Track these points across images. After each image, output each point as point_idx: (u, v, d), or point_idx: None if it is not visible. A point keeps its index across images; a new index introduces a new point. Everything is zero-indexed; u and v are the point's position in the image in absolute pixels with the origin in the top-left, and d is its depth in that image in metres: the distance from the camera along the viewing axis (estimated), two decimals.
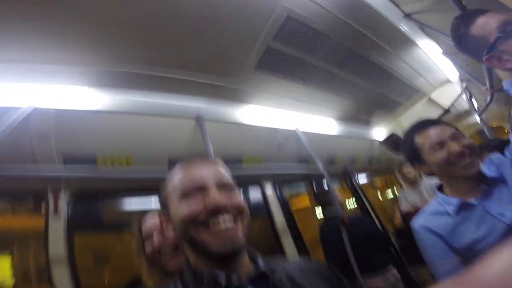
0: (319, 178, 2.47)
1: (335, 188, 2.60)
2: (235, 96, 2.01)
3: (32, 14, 1.19)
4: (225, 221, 0.57)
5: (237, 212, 0.60)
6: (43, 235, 1.75)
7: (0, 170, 1.23)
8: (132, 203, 1.98)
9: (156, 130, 1.75)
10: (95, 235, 2.27)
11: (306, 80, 2.09)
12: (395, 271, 2.01)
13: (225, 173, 0.66)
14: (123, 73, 1.58)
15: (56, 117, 1.53)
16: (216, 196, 0.59)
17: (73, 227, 1.71)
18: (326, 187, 2.44)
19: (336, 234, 2.02)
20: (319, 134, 2.64)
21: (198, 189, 0.61)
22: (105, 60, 1.51)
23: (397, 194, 3.56)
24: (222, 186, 0.62)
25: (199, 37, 1.52)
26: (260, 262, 0.62)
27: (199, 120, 1.86)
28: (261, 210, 2.47)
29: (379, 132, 3.31)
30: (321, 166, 2.27)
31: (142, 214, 1.08)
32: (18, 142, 1.45)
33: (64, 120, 1.54)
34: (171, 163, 1.78)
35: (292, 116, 2.46)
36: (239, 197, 0.63)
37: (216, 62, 1.73)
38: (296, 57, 1.84)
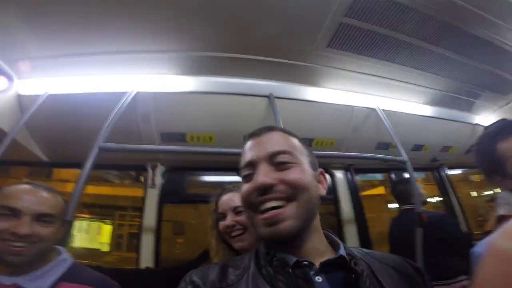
0: (400, 166, 2.22)
1: (418, 179, 2.32)
2: (307, 74, 1.96)
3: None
4: (271, 202, 0.53)
5: (290, 190, 0.54)
6: (139, 205, 2.06)
7: (114, 146, 1.47)
8: (212, 179, 2.18)
9: (234, 109, 1.88)
10: (178, 206, 2.58)
11: (388, 56, 1.88)
12: (466, 283, 1.65)
13: (282, 143, 0.59)
14: (204, 57, 1.72)
15: (154, 100, 1.77)
16: (261, 175, 0.55)
17: (163, 198, 1.99)
18: (406, 177, 2.18)
19: (408, 230, 1.78)
20: (404, 115, 2.34)
21: (251, 167, 0.58)
22: (189, 46, 1.66)
23: (498, 192, 2.99)
24: (273, 161, 0.56)
25: (268, 16, 1.52)
26: (342, 249, 0.57)
27: (270, 98, 1.89)
28: (328, 196, 2.37)
29: (483, 117, 2.76)
30: (403, 152, 2.04)
31: (224, 190, 1.07)
32: (127, 122, 1.74)
33: (160, 102, 1.77)
34: (251, 136, 1.87)
35: (373, 96, 2.23)
36: (296, 173, 0.56)
37: (286, 40, 1.71)
38: (374, 31, 1.67)
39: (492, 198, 2.97)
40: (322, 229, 0.62)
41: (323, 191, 0.62)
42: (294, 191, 0.54)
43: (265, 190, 0.54)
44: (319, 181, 0.63)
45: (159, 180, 1.97)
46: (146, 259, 1.87)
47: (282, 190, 0.54)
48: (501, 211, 2.42)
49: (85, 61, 1.74)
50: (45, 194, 0.85)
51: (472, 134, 2.66)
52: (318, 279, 0.52)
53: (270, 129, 0.64)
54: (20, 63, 1.83)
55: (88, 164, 1.36)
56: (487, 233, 2.35)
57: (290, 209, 0.53)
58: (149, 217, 1.95)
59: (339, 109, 2.14)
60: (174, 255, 3.48)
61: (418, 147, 2.62)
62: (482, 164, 0.85)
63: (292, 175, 0.55)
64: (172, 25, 1.50)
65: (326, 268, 0.53)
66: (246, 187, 0.57)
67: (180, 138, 1.85)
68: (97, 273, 0.90)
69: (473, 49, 1.87)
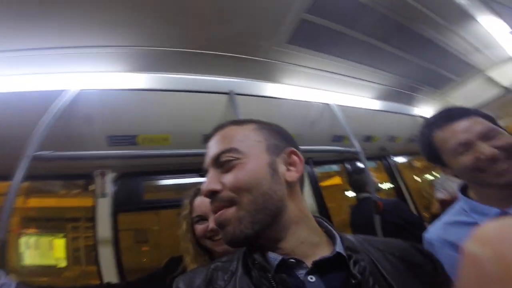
0: (353, 157, 2.33)
1: (370, 168, 2.47)
2: (267, 70, 1.94)
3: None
4: (218, 209, 0.52)
5: (232, 194, 0.51)
6: (91, 216, 1.88)
7: (49, 155, 1.29)
8: (170, 182, 2.07)
9: (191, 107, 1.77)
10: (136, 214, 2.41)
11: (345, 54, 1.96)
12: None
13: (227, 140, 0.56)
14: (157, 52, 1.59)
15: (99, 99, 1.60)
16: (206, 182, 0.53)
17: (117, 207, 1.83)
18: (360, 167, 2.31)
19: (367, 218, 1.88)
20: (356, 109, 2.48)
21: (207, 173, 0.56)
22: (139, 40, 1.52)
23: (438, 177, 3.36)
24: (218, 163, 0.54)
25: (229, 10, 1.46)
26: (338, 243, 0.51)
27: (231, 95, 1.83)
28: None
29: (423, 110, 3.05)
30: (356, 144, 2.16)
31: (199, 191, 0.98)
32: (68, 125, 1.54)
33: (107, 101, 1.60)
34: (206, 139, 1.80)
35: (328, 92, 2.31)
36: (236, 173, 0.52)
37: (248, 36, 1.67)
38: (333, 29, 1.72)
39: (432, 183, 3.31)
40: (314, 217, 0.58)
41: (292, 175, 0.55)
42: (234, 195, 0.51)
43: (212, 196, 0.52)
44: (289, 163, 0.56)
45: (109, 188, 1.80)
46: (108, 272, 1.71)
47: (224, 195, 0.51)
48: (440, 195, 2.72)
49: (17, 58, 1.50)
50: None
51: (414, 125, 2.93)
52: (311, 278, 0.46)
53: (221, 126, 0.61)
54: None
55: (19, 176, 1.17)
56: (434, 216, 2.61)
57: (230, 214, 0.50)
58: (103, 228, 1.77)
59: (297, 105, 2.17)
60: (140, 264, 3.28)
61: (368, 138, 2.80)
62: (423, 152, 0.87)
63: (229, 177, 0.52)
64: (122, 17, 1.33)
65: (321, 268, 0.48)
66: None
67: (130, 141, 1.69)
68: None
69: (417, 47, 2.04)
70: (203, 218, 0.93)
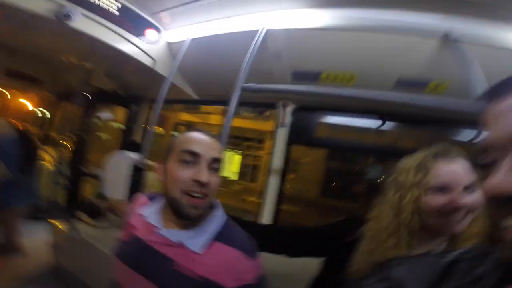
0: None
1: None
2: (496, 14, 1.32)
3: None
4: None
5: None
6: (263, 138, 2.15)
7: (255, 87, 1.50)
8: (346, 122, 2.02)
9: (386, 49, 1.49)
10: (304, 148, 2.62)
11: None
12: None
13: None
14: None
15: (286, 37, 1.65)
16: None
17: (292, 138, 2.03)
18: None
19: None
20: None
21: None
22: None
23: None
24: None
25: None
26: None
27: (449, 38, 1.34)
28: None
29: None
30: None
31: (439, 156, 0.75)
32: (260, 60, 1.73)
33: (294, 39, 1.64)
34: (400, 84, 1.58)
35: None
36: None
37: None
38: None
39: None
40: None
41: None
42: None
43: None
44: None
45: (288, 119, 1.98)
46: (270, 195, 2.02)
47: None
48: None
49: (217, 4, 1.76)
50: (210, 139, 0.77)
51: None
52: None
53: None
54: (162, 15, 2.05)
55: (233, 105, 1.46)
56: None
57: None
58: (278, 155, 2.05)
59: None
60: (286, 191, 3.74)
61: None
62: None
63: None
64: None
65: None
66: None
67: (314, 77, 1.71)
68: (245, 235, 0.78)
69: None
70: (446, 189, 0.72)
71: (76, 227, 2.13)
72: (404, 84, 1.53)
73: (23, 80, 3.35)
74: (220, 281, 0.67)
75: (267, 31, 1.65)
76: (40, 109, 4.95)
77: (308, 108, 1.96)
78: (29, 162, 2.54)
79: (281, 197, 2.05)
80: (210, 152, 0.73)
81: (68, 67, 3.21)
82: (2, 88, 4.26)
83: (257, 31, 1.66)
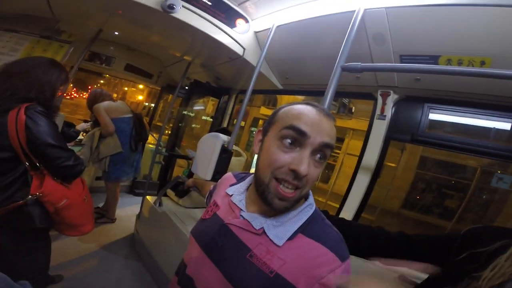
0: None
1: None
2: None
3: None
4: None
5: None
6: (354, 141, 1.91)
7: (358, 66, 1.30)
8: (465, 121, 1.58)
9: None
10: (401, 145, 2.24)
11: None
12: None
13: None
14: None
15: (388, 15, 1.40)
16: None
17: (391, 132, 1.73)
18: None
19: None
20: None
21: None
22: None
23: None
24: None
25: None
26: None
27: None
28: None
29: None
30: None
31: None
32: (357, 43, 1.51)
33: (397, 18, 1.38)
34: None
35: None
36: None
37: None
38: None
39: None
40: None
41: None
42: None
43: None
44: None
45: (389, 110, 1.69)
46: (355, 196, 1.79)
47: None
48: None
49: None
50: (325, 117, 0.61)
51: None
52: None
53: None
54: (247, 4, 2.02)
55: (332, 86, 1.30)
56: None
57: None
58: (372, 151, 1.78)
59: None
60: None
61: None
62: None
63: None
64: None
65: None
66: None
67: (429, 60, 1.40)
68: (332, 229, 0.66)
69: None
70: None
71: (161, 202, 2.36)
72: None
73: (137, 74, 3.95)
74: (293, 281, 0.56)
75: (365, 11, 1.43)
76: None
77: (415, 98, 1.64)
78: (138, 141, 2.97)
79: (364, 203, 1.79)
80: (321, 135, 0.57)
81: (172, 62, 3.65)
82: (121, 79, 5.15)
83: (352, 12, 1.45)
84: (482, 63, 1.24)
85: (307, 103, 0.63)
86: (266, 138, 0.64)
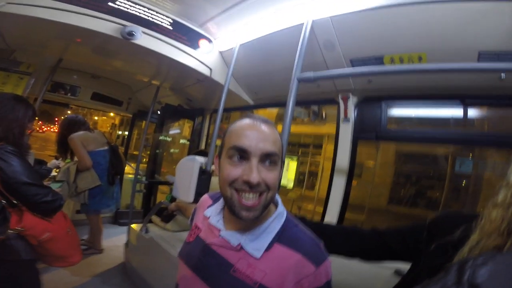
0: None
1: None
2: None
3: None
4: None
5: None
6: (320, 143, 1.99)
7: (312, 75, 1.39)
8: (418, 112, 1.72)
9: (458, 17, 1.22)
10: (374, 143, 2.30)
11: None
12: None
13: None
14: None
15: (334, 24, 1.52)
16: None
17: (357, 133, 1.82)
18: None
19: None
20: None
21: None
22: None
23: None
24: None
25: None
26: None
27: None
28: None
29: None
30: None
31: None
32: (311, 53, 1.62)
33: (343, 25, 1.50)
34: (483, 57, 1.27)
35: None
36: None
37: None
38: None
39: None
40: None
41: None
42: None
43: None
44: None
45: (352, 113, 1.79)
46: (335, 199, 1.84)
47: None
48: None
49: (256, 3, 1.72)
50: (263, 127, 0.65)
51: None
52: None
53: None
54: (208, 25, 2.11)
55: (291, 97, 1.38)
56: None
57: None
58: (342, 154, 1.86)
59: None
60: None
61: None
62: None
63: None
64: None
65: None
66: None
67: (375, 62, 1.52)
68: (306, 235, 0.69)
69: None
70: None
71: (148, 229, 2.31)
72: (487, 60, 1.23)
73: (106, 102, 3.89)
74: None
75: (313, 22, 1.55)
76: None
77: (373, 98, 1.75)
78: (114, 174, 2.91)
79: (345, 204, 1.86)
80: (262, 145, 0.62)
81: (140, 87, 3.64)
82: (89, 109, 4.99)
83: (302, 24, 1.57)
84: (420, 59, 1.38)
85: (247, 117, 0.69)
86: (221, 160, 0.69)
